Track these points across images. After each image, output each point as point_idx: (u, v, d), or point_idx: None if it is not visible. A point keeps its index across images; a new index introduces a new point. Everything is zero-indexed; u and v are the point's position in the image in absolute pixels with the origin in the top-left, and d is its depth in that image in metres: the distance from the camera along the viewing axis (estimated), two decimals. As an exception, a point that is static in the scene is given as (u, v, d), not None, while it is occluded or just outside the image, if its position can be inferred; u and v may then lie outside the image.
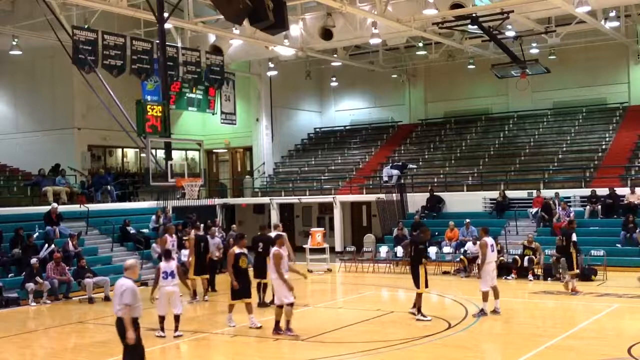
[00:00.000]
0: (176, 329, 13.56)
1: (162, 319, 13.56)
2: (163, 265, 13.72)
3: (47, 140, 28.33)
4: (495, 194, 25.37)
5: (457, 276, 21.12)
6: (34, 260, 18.59)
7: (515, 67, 26.18)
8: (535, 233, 22.43)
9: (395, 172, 28.12)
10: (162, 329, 13.60)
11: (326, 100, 36.89)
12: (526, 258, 19.94)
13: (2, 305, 17.78)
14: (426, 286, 14.41)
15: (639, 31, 29.31)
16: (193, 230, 19.66)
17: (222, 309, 16.96)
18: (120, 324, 9.64)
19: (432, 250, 21.95)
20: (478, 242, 15.36)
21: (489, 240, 14.85)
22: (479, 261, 15.03)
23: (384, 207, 26.79)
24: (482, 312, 14.57)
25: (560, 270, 19.29)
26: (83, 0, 19.61)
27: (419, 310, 14.37)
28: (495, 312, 14.61)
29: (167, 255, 13.98)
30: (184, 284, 14.62)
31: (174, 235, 19.70)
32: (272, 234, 17.48)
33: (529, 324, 14.61)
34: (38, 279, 18.30)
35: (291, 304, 12.91)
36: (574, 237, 17.63)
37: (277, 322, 13.15)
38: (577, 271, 17.59)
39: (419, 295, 14.36)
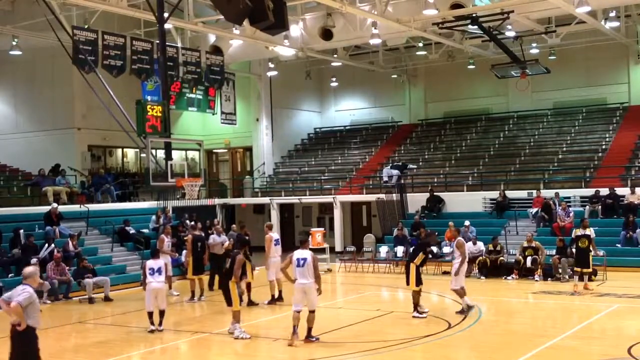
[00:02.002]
0: (160, 324, 14.00)
1: (150, 314, 13.99)
2: (150, 262, 14.12)
3: (47, 140, 28.33)
4: (495, 194, 25.36)
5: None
6: (34, 261, 18.56)
7: (515, 67, 26.17)
8: (535, 233, 22.42)
9: (395, 172, 28.11)
10: (152, 323, 14.02)
11: (326, 100, 36.89)
12: (529, 258, 19.91)
13: (2, 306, 17.74)
14: (417, 284, 14.43)
15: (639, 31, 29.31)
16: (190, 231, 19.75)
17: (221, 309, 16.98)
18: (14, 335, 8.62)
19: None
20: (455, 242, 15.43)
21: (464, 240, 15.05)
22: (455, 261, 15.00)
23: (384, 207, 26.78)
24: (468, 308, 14.58)
25: (560, 271, 19.32)
26: (83, 0, 19.61)
27: (415, 307, 14.50)
28: (463, 312, 14.62)
29: (154, 253, 14.52)
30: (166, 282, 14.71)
31: (169, 236, 19.70)
32: (273, 234, 17.54)
33: (529, 324, 14.61)
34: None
35: (297, 311, 12.55)
36: (574, 233, 17.76)
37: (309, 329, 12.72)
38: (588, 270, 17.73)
39: (413, 293, 14.51)
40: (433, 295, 17.33)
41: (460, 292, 14.69)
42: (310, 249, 12.90)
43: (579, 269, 17.53)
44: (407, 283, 14.58)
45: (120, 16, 22.36)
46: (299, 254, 12.49)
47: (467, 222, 22.98)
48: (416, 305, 14.51)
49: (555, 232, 22.29)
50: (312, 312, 12.49)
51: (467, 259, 14.93)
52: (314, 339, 12.56)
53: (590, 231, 17.78)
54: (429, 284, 15.35)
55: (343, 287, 21.51)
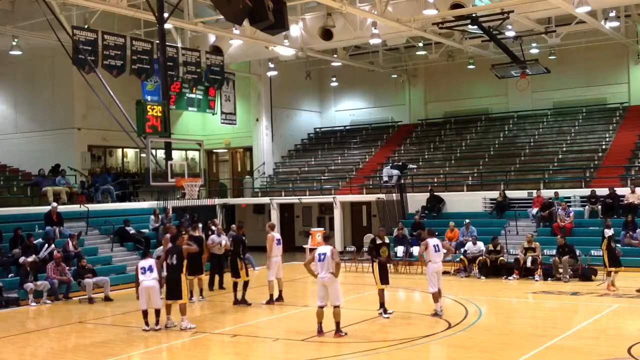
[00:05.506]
0: (157, 323, 14.12)
1: (145, 313, 14.12)
2: (141, 262, 14.31)
3: (47, 140, 28.31)
4: (495, 194, 25.35)
5: (457, 276, 21.11)
6: (22, 259, 18.57)
7: (515, 67, 26.18)
8: (535, 233, 22.42)
9: (395, 172, 28.10)
10: (147, 323, 14.12)
11: (326, 100, 36.88)
12: (529, 258, 19.90)
13: (2, 306, 17.76)
14: (382, 282, 14.73)
15: (639, 31, 29.29)
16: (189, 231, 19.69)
17: (221, 309, 17.00)
18: None
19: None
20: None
21: (432, 241, 14.74)
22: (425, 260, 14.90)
23: (384, 207, 26.78)
24: (435, 313, 14.56)
25: (561, 270, 19.31)
26: (83, 0, 19.61)
27: (381, 306, 14.71)
28: (436, 314, 14.57)
29: (145, 254, 14.85)
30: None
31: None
32: (275, 234, 17.49)
33: (529, 324, 14.61)
34: (38, 277, 18.27)
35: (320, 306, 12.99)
36: (607, 233, 17.91)
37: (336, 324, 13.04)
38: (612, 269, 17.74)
39: (378, 291, 14.80)
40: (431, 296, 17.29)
41: (435, 297, 14.57)
42: (311, 249, 13.03)
43: (614, 269, 17.69)
44: (386, 283, 14.89)
45: (120, 16, 22.37)
46: (321, 249, 13.03)
47: (467, 221, 22.96)
48: (383, 303, 14.76)
49: (555, 232, 22.29)
50: (336, 307, 12.82)
51: (434, 262, 14.57)
52: (343, 334, 12.84)
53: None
54: (424, 285, 15.31)
55: (343, 287, 21.29)
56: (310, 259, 13.43)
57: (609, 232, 18.04)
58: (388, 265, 15.79)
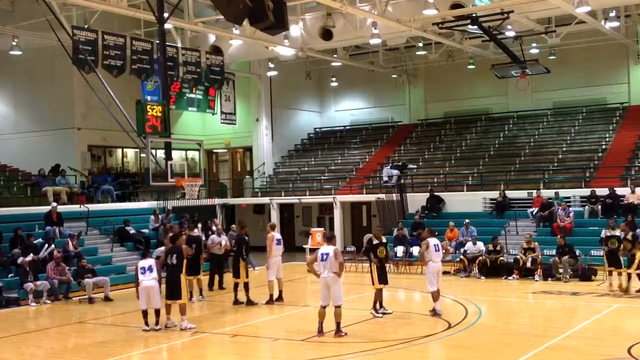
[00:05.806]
0: (157, 323, 14.12)
1: (144, 313, 14.12)
2: (140, 262, 14.32)
3: (47, 140, 28.32)
4: (495, 194, 25.35)
5: (457, 276, 21.10)
6: (20, 259, 18.56)
7: (515, 67, 26.19)
8: (534, 233, 22.41)
9: (395, 172, 28.10)
10: (147, 324, 14.12)
11: (326, 100, 36.88)
12: (529, 258, 19.88)
13: (2, 305, 17.76)
14: (380, 282, 14.88)
15: (639, 31, 29.31)
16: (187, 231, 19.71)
17: (221, 309, 17.01)
18: None
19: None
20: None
21: (432, 240, 14.72)
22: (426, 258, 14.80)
23: (384, 207, 26.78)
24: (434, 313, 14.55)
25: (561, 270, 19.31)
26: (83, 0, 19.61)
27: (374, 306, 14.84)
28: (436, 314, 14.57)
29: (145, 255, 14.86)
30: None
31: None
32: (275, 234, 17.49)
33: (529, 324, 14.62)
34: (38, 277, 18.25)
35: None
36: (602, 234, 18.09)
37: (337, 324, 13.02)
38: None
39: (375, 291, 14.94)
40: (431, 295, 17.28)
41: (434, 296, 14.56)
42: (311, 249, 13.02)
43: (612, 269, 17.61)
44: (384, 283, 14.95)
45: (120, 16, 22.36)
46: (323, 249, 13.17)
47: (466, 221, 22.94)
48: (375, 302, 14.84)
49: (555, 232, 22.29)
50: (337, 307, 12.85)
51: (434, 261, 14.54)
52: (343, 334, 12.82)
53: (619, 232, 17.82)
54: (424, 285, 15.31)
55: (343, 287, 21.41)
56: (312, 258, 13.46)
57: (602, 234, 18.02)
58: (387, 264, 15.76)
